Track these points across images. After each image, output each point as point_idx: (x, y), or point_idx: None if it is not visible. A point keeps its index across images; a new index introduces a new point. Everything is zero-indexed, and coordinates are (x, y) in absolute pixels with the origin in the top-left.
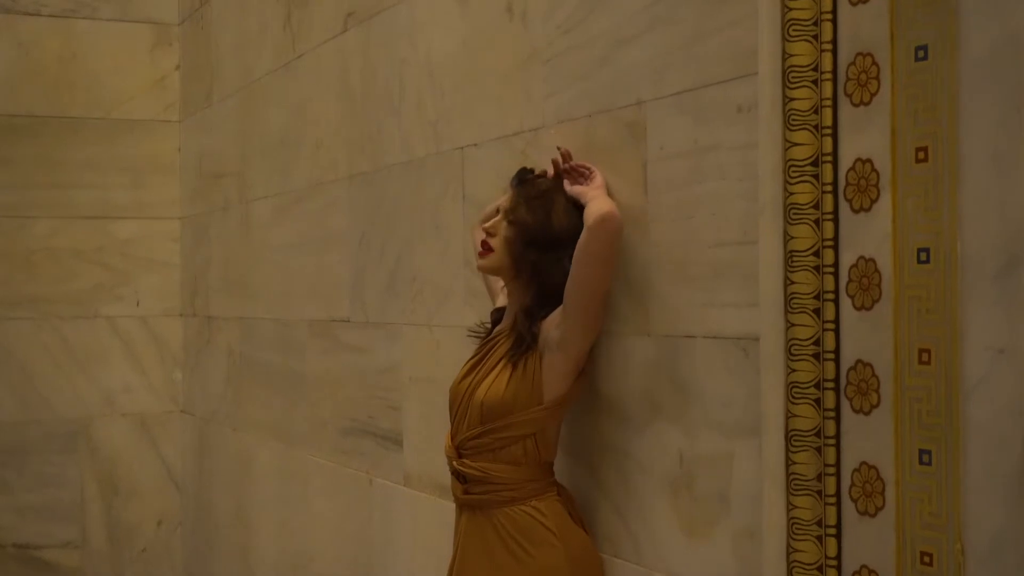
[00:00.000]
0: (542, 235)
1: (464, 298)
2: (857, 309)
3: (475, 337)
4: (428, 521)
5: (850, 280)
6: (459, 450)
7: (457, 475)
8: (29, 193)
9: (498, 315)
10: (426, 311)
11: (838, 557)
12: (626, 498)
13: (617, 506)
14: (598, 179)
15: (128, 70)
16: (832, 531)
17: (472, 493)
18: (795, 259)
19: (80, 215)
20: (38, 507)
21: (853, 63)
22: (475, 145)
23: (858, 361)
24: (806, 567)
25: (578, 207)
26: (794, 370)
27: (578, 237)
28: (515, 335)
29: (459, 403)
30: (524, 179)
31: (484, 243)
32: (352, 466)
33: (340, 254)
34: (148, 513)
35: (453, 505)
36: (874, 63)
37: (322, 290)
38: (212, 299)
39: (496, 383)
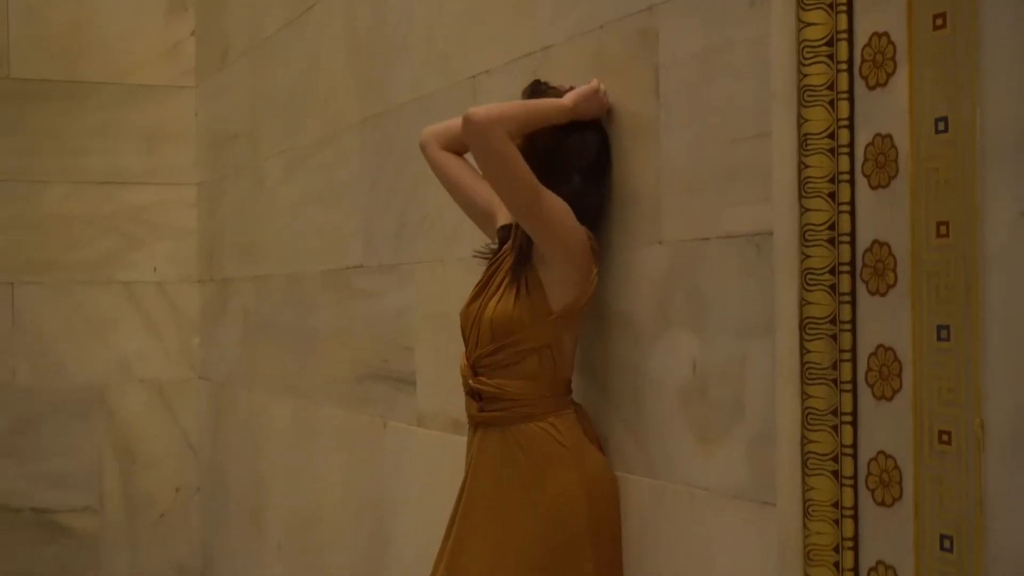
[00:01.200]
0: (547, 147)
1: (473, 229)
2: (873, 188)
3: (481, 258)
4: (440, 460)
5: (866, 159)
6: (474, 368)
7: (473, 394)
8: (42, 159)
9: (504, 232)
10: (436, 248)
11: (854, 445)
12: (638, 413)
13: (629, 422)
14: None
15: (142, 35)
16: (848, 419)
17: (488, 411)
18: (809, 143)
19: (93, 180)
20: (55, 473)
21: None
22: (487, 72)
23: (874, 242)
24: (821, 457)
25: (591, 126)
26: (808, 256)
27: (588, 156)
28: (516, 250)
29: (471, 325)
30: (537, 90)
31: None
32: (366, 412)
33: (351, 203)
34: (166, 480)
35: (466, 441)
36: None
37: (334, 240)
38: (227, 262)
39: (504, 300)
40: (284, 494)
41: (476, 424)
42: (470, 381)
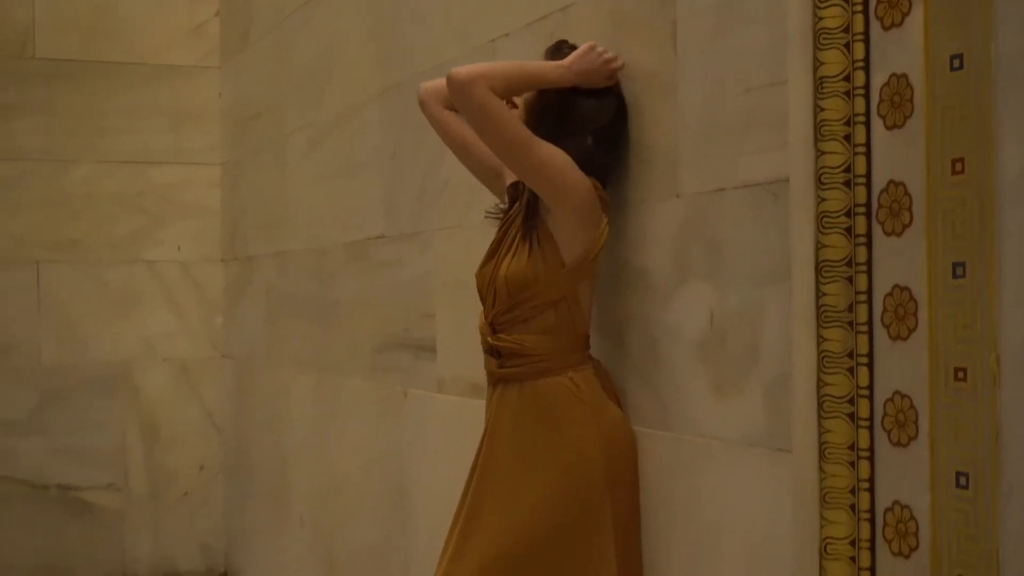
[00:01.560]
0: (561, 103)
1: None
2: (888, 129)
3: (493, 218)
4: (459, 424)
5: (881, 100)
6: (493, 326)
7: (492, 351)
8: (68, 138)
9: (514, 190)
10: (456, 214)
11: (870, 387)
12: (656, 367)
13: (647, 377)
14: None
15: (166, 16)
16: (864, 360)
17: (507, 367)
18: (825, 86)
19: (119, 160)
20: (80, 450)
21: None
22: (506, 35)
23: (890, 182)
24: (837, 400)
25: (611, 91)
26: (824, 199)
27: (602, 119)
28: (524, 207)
29: (487, 285)
30: (559, 49)
31: (508, 101)
32: (387, 382)
33: (373, 173)
34: (189, 458)
35: (485, 402)
36: None
37: (356, 212)
38: (251, 240)
39: (517, 257)
40: (306, 468)
41: (495, 381)
42: (488, 339)
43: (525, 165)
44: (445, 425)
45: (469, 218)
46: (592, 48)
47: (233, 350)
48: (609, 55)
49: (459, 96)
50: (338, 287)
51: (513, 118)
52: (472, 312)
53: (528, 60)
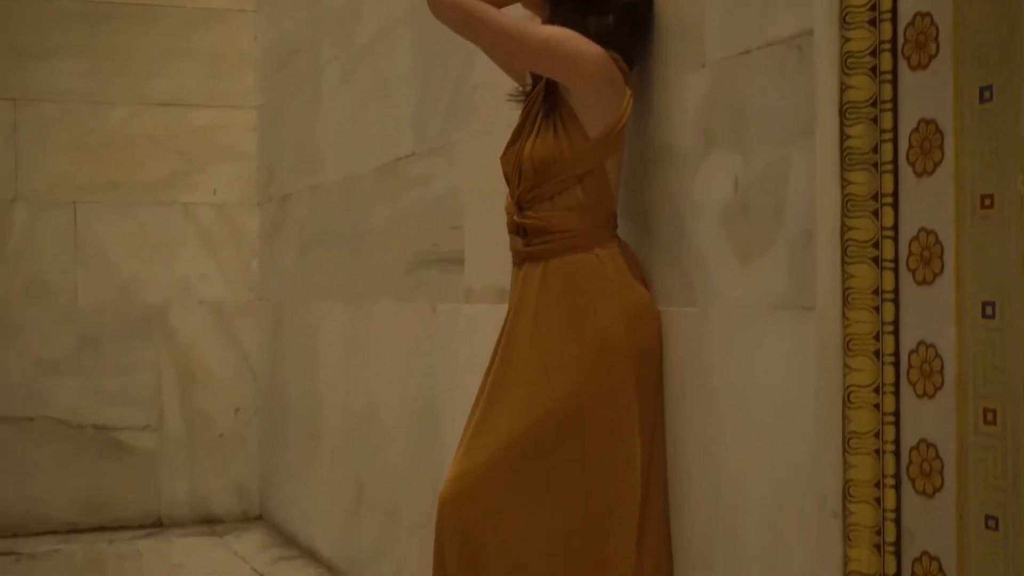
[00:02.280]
0: None
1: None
2: None
3: (515, 101)
4: (488, 331)
5: None
6: (519, 205)
7: (518, 230)
8: (107, 80)
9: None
10: (485, 119)
11: (895, 227)
12: (681, 243)
13: (673, 254)
14: None
15: None
16: (888, 200)
17: (533, 244)
18: None
19: (156, 103)
20: (116, 391)
21: None
22: None
23: (916, 14)
24: (861, 244)
25: None
26: (848, 39)
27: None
28: (546, 86)
29: (512, 167)
30: None
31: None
32: (416, 301)
33: (404, 94)
34: (225, 400)
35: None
36: None
37: (387, 134)
38: (285, 178)
39: (542, 136)
40: (338, 402)
41: (521, 261)
42: (515, 217)
43: (527, 55)
44: (474, 334)
45: (498, 122)
46: None
47: (268, 293)
48: None
49: (435, 10)
50: (369, 213)
51: (496, 13)
52: (500, 219)
53: None
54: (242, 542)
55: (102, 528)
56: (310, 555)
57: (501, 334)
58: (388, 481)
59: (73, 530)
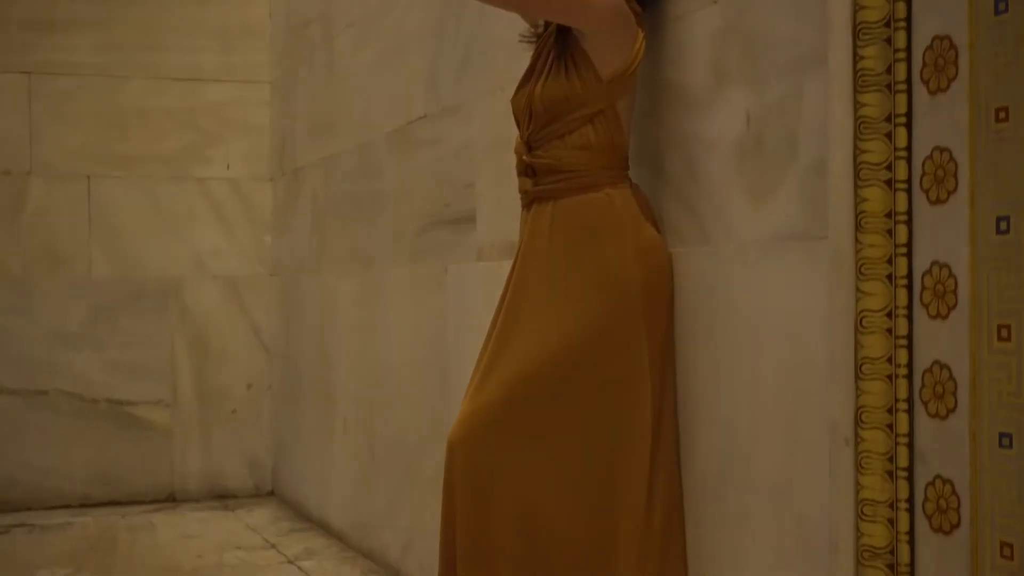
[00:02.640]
0: None
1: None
2: None
3: (527, 42)
4: (499, 287)
5: None
6: (529, 144)
7: (526, 171)
8: (123, 54)
9: None
10: (497, 74)
11: (908, 147)
12: (694, 182)
13: (684, 195)
14: None
15: None
16: (902, 120)
17: (542, 184)
18: None
19: (171, 77)
20: (130, 365)
21: None
22: None
23: None
24: (874, 167)
25: None
26: None
27: None
28: (557, 28)
29: (523, 108)
30: None
31: None
32: (427, 263)
33: (418, 55)
34: (238, 375)
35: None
36: None
37: (400, 98)
38: (299, 151)
39: (553, 76)
40: (351, 371)
41: (529, 202)
42: (524, 157)
43: (538, 3)
44: (485, 292)
45: (510, 76)
46: None
47: (281, 268)
48: None
49: None
50: (382, 178)
51: None
52: (513, 174)
53: None
54: (254, 516)
55: (115, 502)
56: (322, 527)
57: (510, 276)
58: (399, 444)
59: (86, 504)
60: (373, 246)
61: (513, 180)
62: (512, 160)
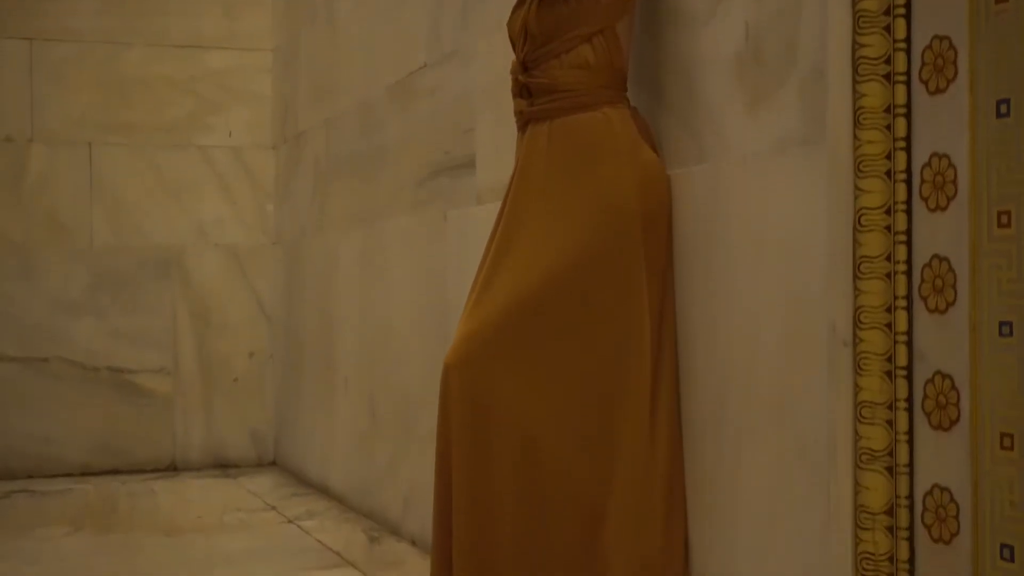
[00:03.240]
0: None
1: None
2: None
3: None
4: None
5: None
6: (524, 64)
7: (521, 91)
8: (124, 20)
9: None
10: (498, 13)
11: (907, 39)
12: (690, 102)
13: (682, 116)
14: None
15: None
16: (900, 12)
17: (538, 104)
18: None
19: (173, 44)
20: (131, 333)
21: None
22: None
23: None
24: (873, 61)
25: None
26: None
27: None
28: None
29: (518, 31)
30: None
31: None
32: (428, 212)
33: (417, 3)
34: (240, 345)
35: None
36: None
37: (401, 50)
38: (301, 115)
39: None
40: (354, 326)
41: (525, 123)
42: (519, 77)
43: None
44: (485, 235)
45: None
46: None
47: (284, 236)
48: None
49: None
50: (383, 133)
51: None
52: (512, 114)
53: None
54: (255, 482)
55: (116, 471)
56: (323, 493)
57: (506, 197)
58: (400, 398)
59: (87, 472)
60: (374, 202)
61: (512, 120)
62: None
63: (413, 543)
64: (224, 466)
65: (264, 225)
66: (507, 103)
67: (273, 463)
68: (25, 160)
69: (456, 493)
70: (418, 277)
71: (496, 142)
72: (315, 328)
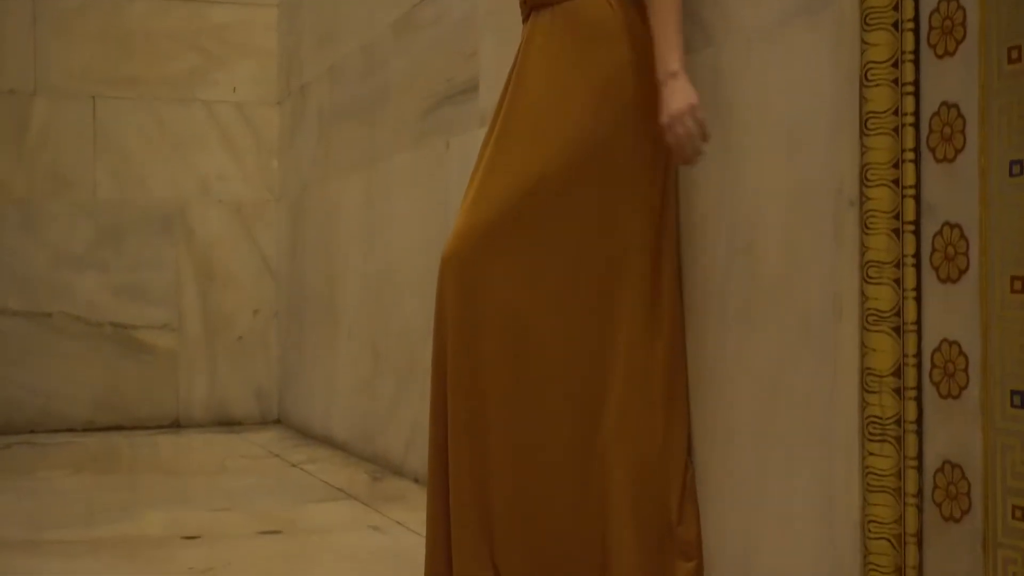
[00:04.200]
0: None
1: None
2: None
3: None
4: None
5: None
6: None
7: None
8: None
9: None
10: None
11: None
12: None
13: (686, 3)
14: None
15: None
16: None
17: None
18: None
19: None
20: (135, 288)
21: None
22: None
23: None
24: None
25: None
26: None
27: None
28: None
29: None
30: None
31: None
32: (430, 143)
33: None
34: (244, 301)
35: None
36: None
37: None
38: (305, 66)
39: None
40: (357, 270)
41: (528, 12)
42: None
43: None
44: None
45: None
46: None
47: (288, 192)
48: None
49: None
50: (386, 71)
51: None
52: (516, 32)
53: None
54: (259, 436)
55: (119, 427)
56: (327, 444)
57: (507, 84)
58: (403, 337)
59: (90, 428)
60: (378, 141)
61: (516, 39)
62: (516, 20)
63: (416, 480)
64: (228, 423)
65: (268, 181)
66: (510, 24)
67: (277, 421)
68: (28, 113)
69: (449, 374)
70: (421, 210)
71: (499, 64)
72: (319, 281)
